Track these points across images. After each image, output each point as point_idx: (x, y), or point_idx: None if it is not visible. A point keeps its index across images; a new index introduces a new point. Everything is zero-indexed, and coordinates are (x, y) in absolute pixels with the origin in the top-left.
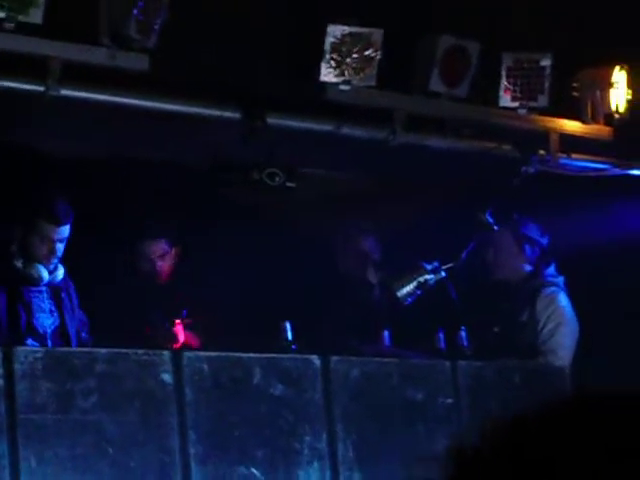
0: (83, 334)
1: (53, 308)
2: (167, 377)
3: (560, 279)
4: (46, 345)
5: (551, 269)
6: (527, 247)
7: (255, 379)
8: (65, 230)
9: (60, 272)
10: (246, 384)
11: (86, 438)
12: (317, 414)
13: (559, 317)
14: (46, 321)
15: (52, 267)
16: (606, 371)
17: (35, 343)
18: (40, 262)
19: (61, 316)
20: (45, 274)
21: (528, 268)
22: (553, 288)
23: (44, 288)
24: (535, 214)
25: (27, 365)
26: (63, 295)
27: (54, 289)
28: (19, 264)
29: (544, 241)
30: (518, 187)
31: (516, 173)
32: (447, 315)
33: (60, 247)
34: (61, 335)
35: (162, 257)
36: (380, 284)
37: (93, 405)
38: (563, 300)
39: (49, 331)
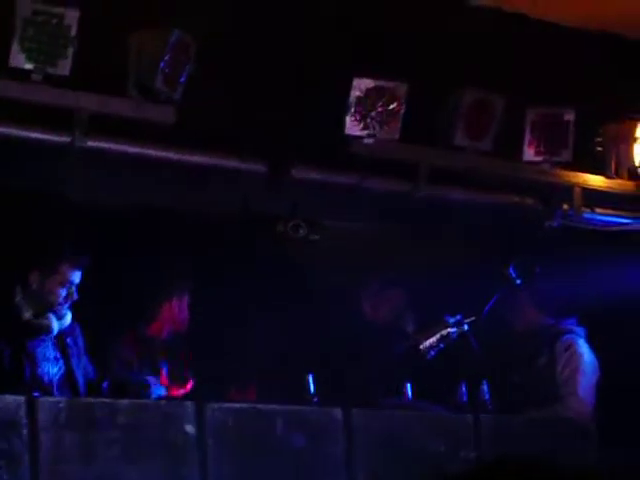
0: (104, 385)
1: (58, 355)
2: (190, 428)
3: (580, 329)
4: (52, 394)
5: (572, 320)
6: (547, 301)
7: (278, 431)
8: (80, 274)
9: (68, 317)
10: (268, 436)
11: None
12: (339, 466)
13: (577, 360)
14: (51, 370)
15: (63, 312)
16: (631, 422)
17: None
18: (53, 309)
19: (67, 363)
20: (56, 324)
21: (548, 321)
22: (572, 335)
23: (49, 337)
24: (558, 268)
25: (51, 415)
26: (68, 340)
27: (59, 335)
28: (28, 315)
29: (563, 294)
30: (541, 241)
31: (540, 227)
32: (469, 368)
33: (74, 291)
34: (68, 383)
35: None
36: (404, 337)
37: (116, 456)
38: (582, 345)
39: (55, 380)
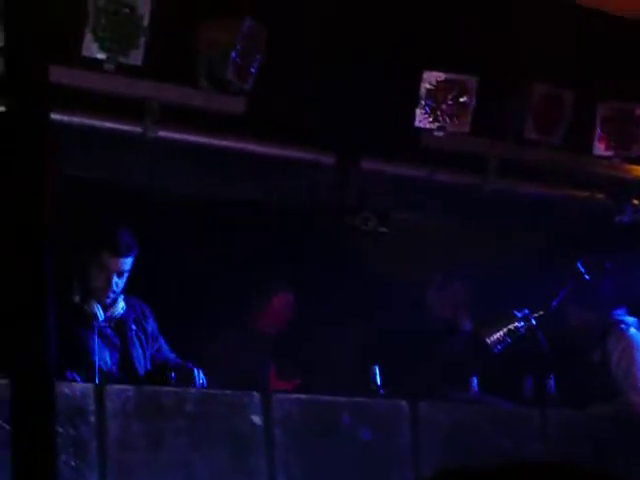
0: (172, 373)
1: (118, 343)
2: (256, 419)
3: (632, 319)
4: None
5: (621, 311)
6: (603, 293)
7: (343, 423)
8: (127, 263)
9: (120, 305)
10: (335, 428)
11: (175, 477)
12: (405, 459)
13: (631, 352)
14: (107, 358)
15: (109, 301)
16: None
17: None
18: (96, 296)
19: (125, 351)
20: (100, 312)
21: (599, 312)
22: (623, 325)
23: (104, 324)
24: (627, 264)
25: (119, 403)
26: (128, 328)
27: (117, 323)
28: (77, 298)
29: (615, 284)
30: (612, 236)
31: (610, 222)
32: (536, 363)
33: (119, 281)
34: (126, 371)
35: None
36: (470, 331)
37: (183, 444)
38: (635, 335)
39: (112, 368)
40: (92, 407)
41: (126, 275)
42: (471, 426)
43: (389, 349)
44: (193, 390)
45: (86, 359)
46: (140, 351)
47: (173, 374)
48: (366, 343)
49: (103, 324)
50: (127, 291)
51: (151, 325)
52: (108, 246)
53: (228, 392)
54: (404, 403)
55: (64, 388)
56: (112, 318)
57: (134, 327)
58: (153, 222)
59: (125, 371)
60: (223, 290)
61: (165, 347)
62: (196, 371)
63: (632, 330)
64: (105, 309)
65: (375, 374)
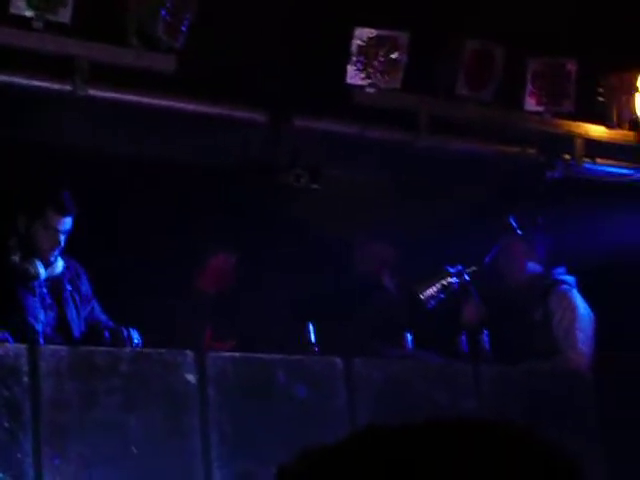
0: (106, 333)
1: (52, 303)
2: (191, 377)
3: (571, 278)
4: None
5: (561, 269)
6: (537, 249)
7: (278, 380)
8: (68, 222)
9: (59, 264)
10: (269, 385)
11: (110, 437)
12: (340, 416)
13: (574, 313)
14: (42, 317)
15: (52, 259)
16: (626, 369)
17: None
18: (40, 255)
19: (60, 311)
20: (42, 270)
21: (538, 269)
22: (565, 286)
23: (41, 282)
24: (558, 219)
25: (52, 363)
26: (63, 288)
27: (53, 282)
28: (16, 258)
29: (552, 244)
30: (543, 191)
31: (541, 177)
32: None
33: (63, 238)
34: (61, 331)
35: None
36: (400, 288)
37: (117, 404)
38: (576, 296)
39: (47, 327)
40: (25, 367)
41: (66, 234)
42: (405, 382)
43: (321, 307)
44: (127, 350)
45: (21, 319)
46: (75, 312)
47: (107, 334)
48: (300, 301)
49: (39, 284)
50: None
51: (85, 285)
52: (53, 206)
53: (162, 351)
54: (338, 360)
55: None
56: (50, 277)
57: (69, 287)
58: (87, 182)
59: (60, 331)
60: (160, 251)
61: (98, 308)
62: (129, 331)
63: (574, 291)
64: (45, 267)
65: (309, 332)
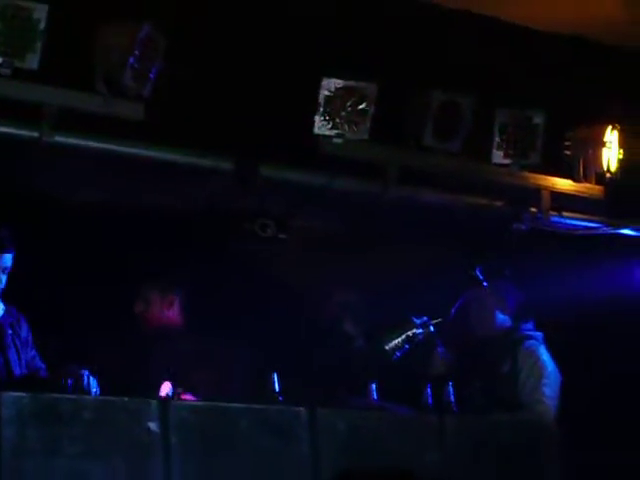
0: (69, 381)
1: None
2: (154, 426)
3: (539, 334)
4: None
5: (529, 325)
6: (507, 303)
7: (242, 430)
8: (7, 259)
9: (0, 308)
10: (232, 435)
11: None
12: (304, 466)
13: (541, 369)
14: None
15: None
16: (591, 425)
17: None
18: None
19: (3, 354)
20: None
21: (507, 322)
22: (533, 341)
23: None
24: (525, 271)
25: (14, 410)
26: (4, 332)
27: None
28: None
29: (521, 297)
30: (509, 244)
31: (508, 230)
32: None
33: (2, 278)
34: (4, 375)
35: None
36: (364, 337)
37: (80, 452)
38: (544, 353)
39: None
40: None
41: (6, 273)
42: (370, 432)
43: (287, 356)
44: (90, 397)
45: None
46: (16, 356)
47: (70, 381)
48: (262, 349)
49: None
50: (10, 297)
51: (25, 331)
52: None
53: (125, 399)
54: (302, 410)
55: None
56: None
57: (10, 331)
58: (49, 228)
59: (2, 374)
60: (118, 296)
61: (38, 357)
62: (89, 378)
63: (542, 348)
64: None
65: (274, 381)
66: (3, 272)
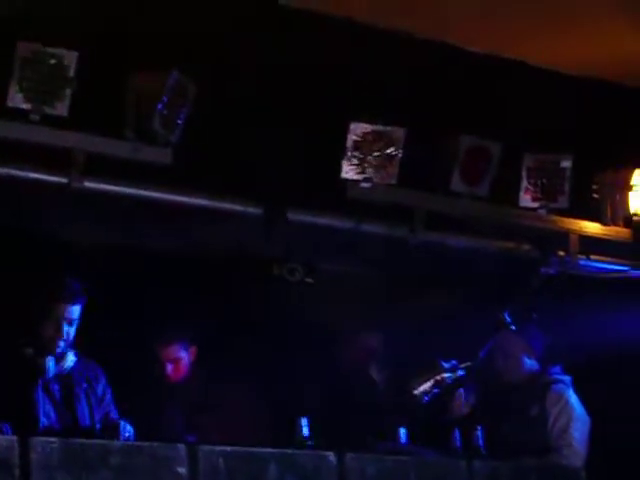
0: (127, 434)
1: (60, 398)
2: (182, 470)
3: (567, 378)
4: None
5: (557, 368)
6: (534, 348)
7: (270, 475)
8: (75, 310)
9: (70, 359)
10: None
11: None
12: None
13: (570, 412)
14: (52, 414)
15: (59, 351)
16: (620, 470)
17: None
18: (48, 347)
19: (71, 408)
20: (52, 366)
21: (535, 366)
22: (561, 385)
23: (51, 378)
24: (553, 315)
25: (43, 455)
26: (75, 384)
27: (63, 379)
28: (30, 352)
29: (548, 341)
30: (537, 287)
31: (535, 273)
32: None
33: (70, 330)
34: (68, 426)
35: (174, 361)
36: (387, 381)
37: None
38: (572, 396)
39: (56, 424)
40: (17, 460)
41: (75, 324)
42: (398, 477)
43: (316, 400)
44: (118, 443)
45: (28, 413)
46: (87, 410)
47: (98, 426)
48: (294, 393)
49: (50, 378)
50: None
51: (102, 388)
52: (55, 294)
53: (154, 444)
54: (331, 454)
55: None
56: (60, 373)
57: (85, 385)
58: (81, 273)
59: (68, 427)
60: (142, 341)
61: (113, 412)
62: (122, 423)
63: (570, 391)
64: (56, 362)
65: (302, 426)
66: (71, 324)
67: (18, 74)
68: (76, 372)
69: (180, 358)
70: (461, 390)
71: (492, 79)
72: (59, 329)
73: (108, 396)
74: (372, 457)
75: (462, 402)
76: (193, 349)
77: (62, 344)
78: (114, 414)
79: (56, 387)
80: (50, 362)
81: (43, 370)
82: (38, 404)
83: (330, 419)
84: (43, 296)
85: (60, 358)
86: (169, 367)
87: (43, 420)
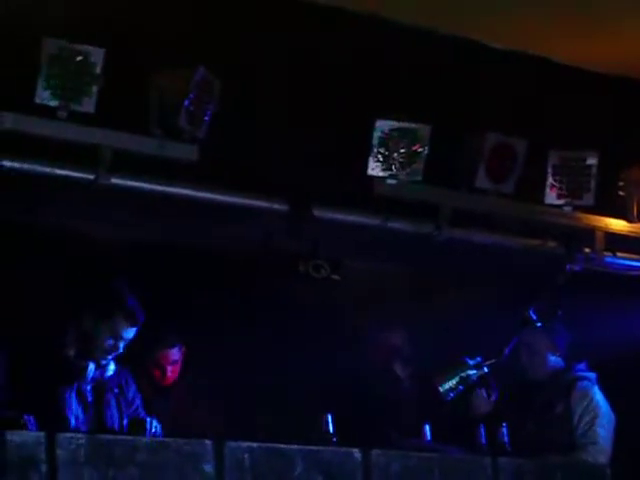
0: (124, 421)
1: (92, 401)
2: (208, 467)
3: (593, 375)
4: None
5: (583, 365)
6: (559, 345)
7: (296, 471)
8: (133, 331)
9: (111, 368)
10: (287, 476)
11: None
12: None
13: (595, 409)
14: (80, 415)
15: (105, 362)
16: None
17: None
18: (96, 357)
19: (99, 409)
20: (92, 369)
21: (560, 364)
22: (586, 382)
23: (87, 380)
24: (578, 312)
25: (69, 452)
26: (107, 389)
27: (98, 382)
28: (71, 353)
29: (573, 338)
30: (563, 284)
31: (561, 270)
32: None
33: (123, 345)
34: (96, 428)
35: (174, 363)
36: (412, 378)
37: None
38: (597, 393)
39: (81, 424)
40: (43, 455)
41: (127, 342)
42: (423, 474)
43: (341, 396)
44: (145, 439)
45: (57, 411)
46: (117, 414)
47: (125, 422)
48: (319, 390)
49: (85, 381)
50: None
51: (132, 393)
52: (123, 314)
53: (180, 441)
54: (356, 451)
55: (15, 437)
56: (96, 378)
57: (116, 390)
58: (110, 270)
59: (95, 429)
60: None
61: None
62: (149, 420)
63: (595, 388)
64: (96, 368)
65: (328, 422)
66: (126, 341)
67: (45, 71)
68: (110, 378)
69: (178, 360)
70: (491, 390)
71: (517, 76)
72: (116, 345)
73: (137, 401)
74: (397, 454)
75: (481, 400)
76: (184, 349)
77: (110, 357)
78: (142, 415)
79: (89, 390)
80: (91, 367)
81: (84, 374)
82: (70, 405)
83: (355, 416)
84: (108, 311)
85: (102, 365)
86: (169, 369)
87: (72, 421)
